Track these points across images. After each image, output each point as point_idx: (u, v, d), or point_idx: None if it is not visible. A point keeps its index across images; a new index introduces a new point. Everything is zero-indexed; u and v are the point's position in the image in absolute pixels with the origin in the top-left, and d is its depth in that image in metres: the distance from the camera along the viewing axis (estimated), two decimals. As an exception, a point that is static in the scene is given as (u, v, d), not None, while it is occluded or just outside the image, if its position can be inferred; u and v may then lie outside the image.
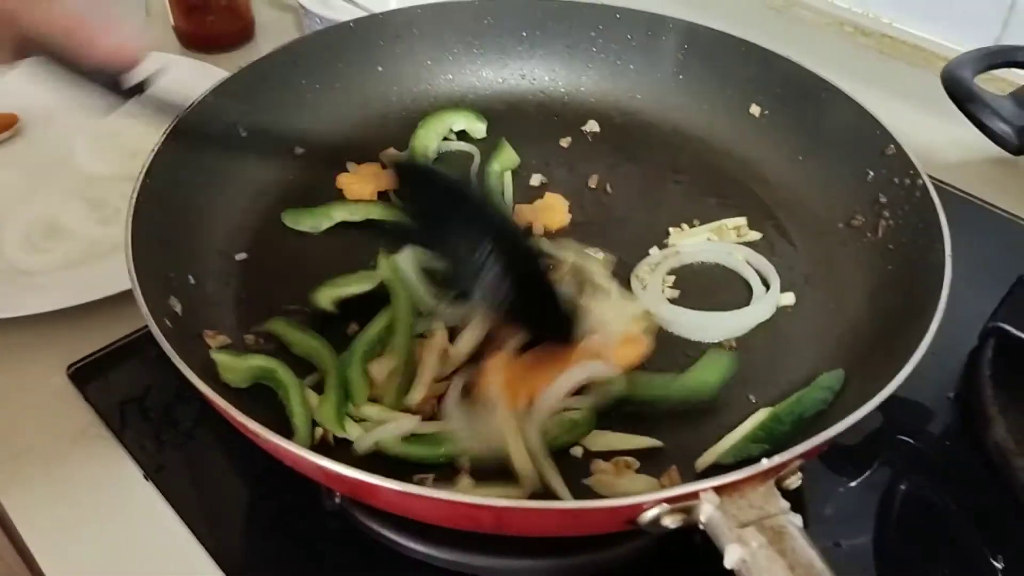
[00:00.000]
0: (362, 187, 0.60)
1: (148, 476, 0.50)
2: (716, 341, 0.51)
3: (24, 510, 0.49)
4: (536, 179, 0.62)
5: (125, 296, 0.59)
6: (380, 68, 0.65)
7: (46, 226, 0.66)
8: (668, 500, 0.34)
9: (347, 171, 0.61)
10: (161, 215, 0.48)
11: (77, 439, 0.53)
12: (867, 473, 0.52)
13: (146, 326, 0.49)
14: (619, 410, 0.47)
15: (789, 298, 0.54)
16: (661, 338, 0.51)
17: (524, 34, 0.68)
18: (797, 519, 0.34)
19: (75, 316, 0.59)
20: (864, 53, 0.86)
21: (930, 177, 0.50)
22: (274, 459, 0.43)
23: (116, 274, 0.60)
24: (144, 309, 0.41)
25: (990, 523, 0.50)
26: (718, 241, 0.56)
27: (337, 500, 0.48)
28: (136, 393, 0.55)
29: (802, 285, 0.55)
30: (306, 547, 0.47)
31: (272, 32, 0.92)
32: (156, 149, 0.50)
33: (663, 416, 0.47)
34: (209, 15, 0.89)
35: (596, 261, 0.54)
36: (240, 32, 0.91)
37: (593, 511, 0.35)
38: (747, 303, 0.53)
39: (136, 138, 0.72)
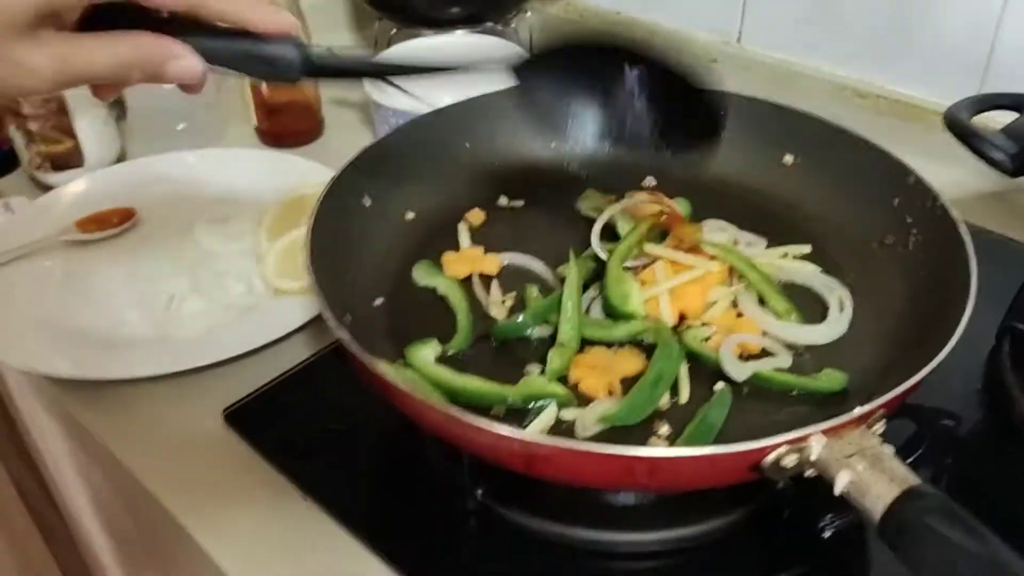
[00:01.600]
0: (459, 268, 0.69)
1: (306, 496, 0.59)
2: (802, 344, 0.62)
3: (207, 531, 0.58)
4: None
5: (260, 350, 0.70)
6: (467, 144, 0.77)
7: (181, 297, 0.76)
8: (788, 443, 0.44)
9: (448, 248, 0.71)
10: (321, 269, 0.58)
11: (238, 472, 0.61)
12: (914, 456, 0.62)
13: (282, 373, 0.65)
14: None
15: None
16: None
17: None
18: (889, 448, 0.44)
19: (218, 369, 0.68)
20: (862, 112, 0.99)
21: None
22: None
23: (251, 332, 0.70)
24: (333, 323, 0.51)
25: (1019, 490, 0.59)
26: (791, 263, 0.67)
27: (479, 497, 0.57)
28: (284, 429, 0.64)
29: (851, 294, 0.65)
30: (455, 541, 0.56)
31: (339, 126, 1.04)
32: (315, 213, 0.60)
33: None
34: (286, 116, 1.01)
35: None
36: (312, 129, 1.03)
37: (726, 455, 0.44)
38: (814, 315, 0.64)
39: (240, 219, 0.84)
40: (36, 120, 0.88)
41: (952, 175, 0.76)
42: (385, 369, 0.49)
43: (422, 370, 0.57)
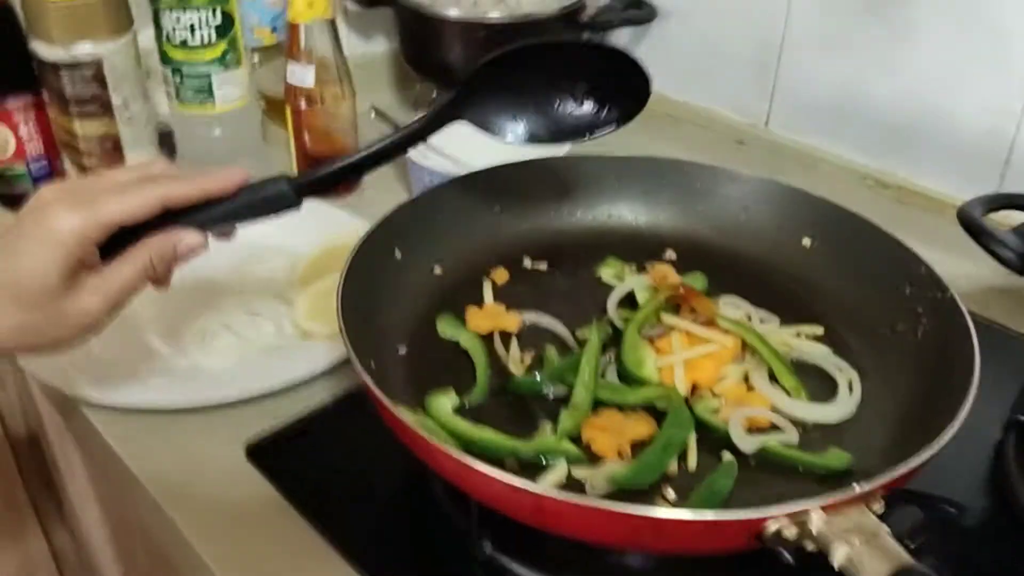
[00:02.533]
0: (481, 323, 0.71)
1: (326, 539, 0.61)
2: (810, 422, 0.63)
3: (222, 560, 0.60)
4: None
5: (286, 390, 0.72)
6: (496, 208, 0.80)
7: (215, 332, 0.79)
8: (788, 514, 0.46)
9: (471, 302, 0.73)
10: (351, 314, 0.61)
11: (256, 505, 0.63)
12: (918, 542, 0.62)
13: (306, 413, 0.68)
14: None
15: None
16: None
17: (607, 182, 0.83)
18: (885, 527, 0.45)
19: (244, 404, 0.71)
20: (884, 202, 1.01)
21: None
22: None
23: (281, 371, 0.73)
24: (358, 366, 0.54)
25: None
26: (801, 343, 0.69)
27: (488, 551, 0.59)
28: (305, 467, 0.66)
29: (858, 379, 0.67)
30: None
31: (376, 179, 1.07)
32: (348, 263, 0.64)
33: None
34: (326, 167, 1.05)
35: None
36: (351, 183, 1.06)
37: (730, 522, 0.46)
38: (822, 394, 0.65)
39: (276, 264, 0.87)
40: (91, 156, 0.93)
41: (968, 268, 0.79)
42: (405, 414, 0.51)
43: (439, 418, 0.60)
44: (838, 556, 0.44)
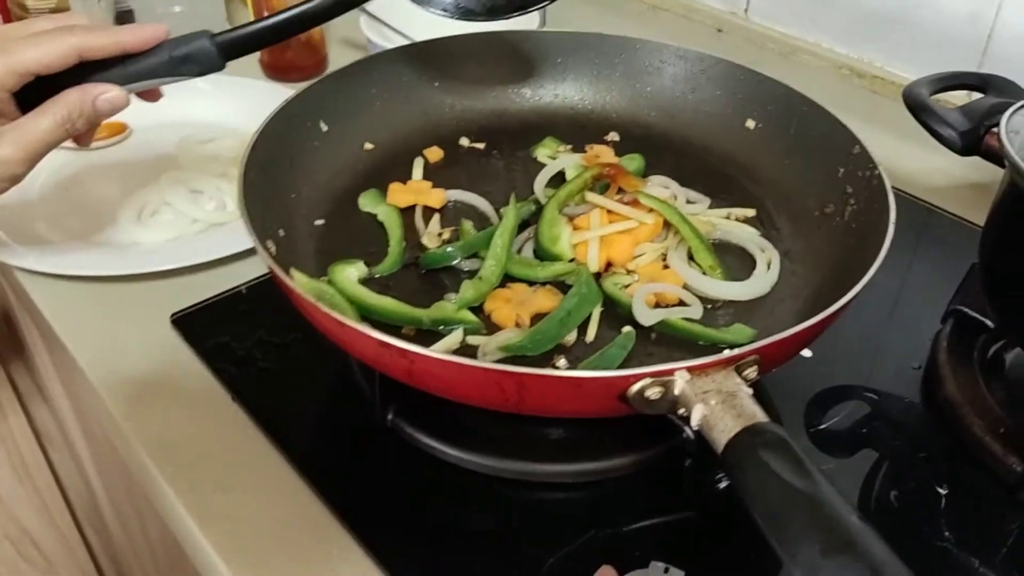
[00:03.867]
0: (402, 198, 0.70)
1: (235, 399, 0.62)
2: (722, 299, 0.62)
3: (136, 423, 0.61)
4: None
5: (217, 263, 0.72)
6: (436, 84, 0.78)
7: (154, 207, 0.79)
8: (651, 374, 0.45)
9: (401, 180, 0.72)
10: (261, 182, 0.60)
11: (179, 371, 0.64)
12: (836, 418, 0.62)
13: (230, 289, 0.67)
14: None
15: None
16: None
17: (558, 60, 0.81)
18: (748, 389, 0.45)
19: (176, 278, 0.72)
20: (858, 92, 0.98)
21: (908, 194, 0.59)
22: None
23: (210, 246, 0.73)
24: (254, 237, 0.53)
25: (938, 462, 0.60)
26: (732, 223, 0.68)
27: (390, 416, 0.59)
28: (226, 338, 0.67)
29: (782, 258, 0.65)
30: (365, 456, 0.58)
31: (342, 65, 1.06)
32: (259, 131, 0.63)
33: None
34: (288, 50, 1.03)
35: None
36: (316, 65, 1.05)
37: (592, 380, 0.45)
38: (742, 275, 0.64)
39: (224, 143, 0.87)
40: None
41: (938, 162, 0.76)
42: (297, 277, 0.51)
43: (341, 287, 0.59)
44: (695, 415, 0.44)
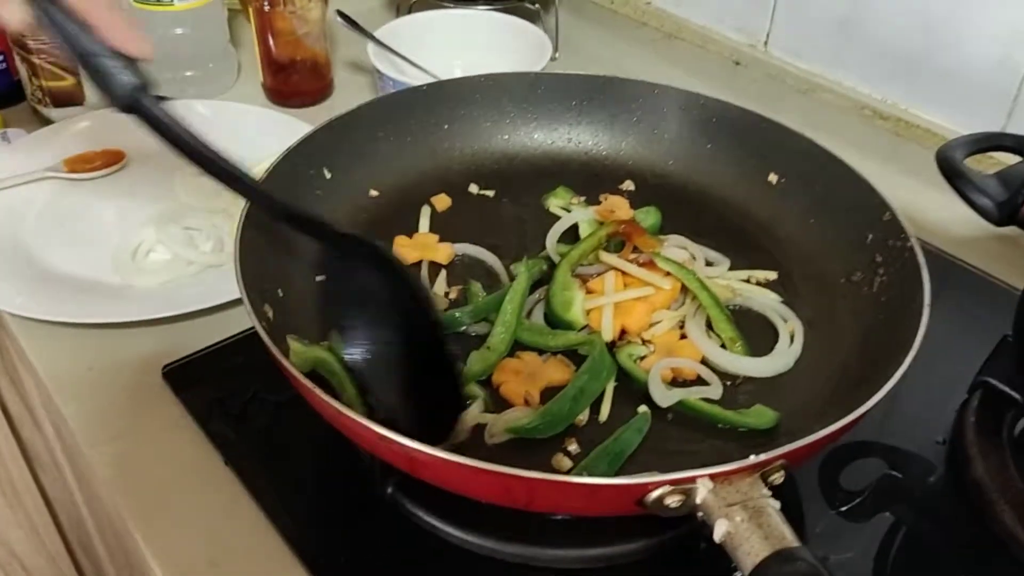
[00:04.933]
0: (408, 253, 0.67)
1: (227, 463, 0.59)
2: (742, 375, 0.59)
3: (124, 487, 0.58)
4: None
5: (213, 310, 0.69)
6: (446, 126, 0.75)
7: (149, 247, 0.76)
8: (671, 482, 0.42)
9: (407, 230, 0.69)
10: (259, 238, 0.57)
11: (169, 428, 0.61)
12: (857, 500, 0.59)
13: (229, 337, 0.63)
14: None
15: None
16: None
17: (572, 103, 0.77)
18: (775, 503, 0.42)
19: (170, 324, 0.69)
20: (881, 135, 0.94)
21: (932, 246, 0.56)
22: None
23: (206, 291, 0.70)
24: (248, 307, 0.50)
25: (964, 548, 0.57)
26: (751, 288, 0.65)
27: (389, 490, 0.56)
28: (219, 393, 0.64)
29: (805, 329, 0.62)
30: (362, 531, 0.55)
31: (349, 91, 1.03)
32: (261, 180, 0.59)
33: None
34: (294, 75, 1.00)
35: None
36: (321, 90, 1.02)
37: (608, 487, 0.42)
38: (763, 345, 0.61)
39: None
40: (40, 55, 0.89)
41: (961, 210, 0.72)
42: (290, 346, 0.48)
43: (340, 355, 0.56)
44: (718, 531, 0.41)
